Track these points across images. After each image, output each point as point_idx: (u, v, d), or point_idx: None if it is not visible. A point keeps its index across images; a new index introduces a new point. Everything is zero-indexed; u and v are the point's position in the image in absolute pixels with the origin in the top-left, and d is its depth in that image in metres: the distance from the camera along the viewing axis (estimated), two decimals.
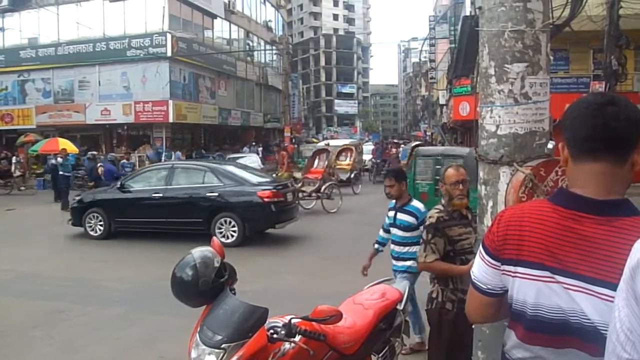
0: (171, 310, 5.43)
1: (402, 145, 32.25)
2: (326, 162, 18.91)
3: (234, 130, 41.35)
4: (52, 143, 25.47)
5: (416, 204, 5.44)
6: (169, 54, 31.42)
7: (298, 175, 19.56)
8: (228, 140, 39.25)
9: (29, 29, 34.52)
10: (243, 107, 41.94)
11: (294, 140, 40.62)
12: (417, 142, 20.52)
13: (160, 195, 11.91)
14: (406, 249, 5.34)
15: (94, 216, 12.55)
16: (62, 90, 34.47)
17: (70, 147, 24.83)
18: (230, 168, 12.69)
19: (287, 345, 3.06)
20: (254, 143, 38.95)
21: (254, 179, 12.26)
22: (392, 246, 5.53)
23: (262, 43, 46.80)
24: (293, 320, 3.04)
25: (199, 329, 3.05)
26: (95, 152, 22.37)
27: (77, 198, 13.31)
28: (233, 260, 3.43)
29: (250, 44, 44.84)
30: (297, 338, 3.03)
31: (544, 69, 2.89)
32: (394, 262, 5.49)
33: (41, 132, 31.94)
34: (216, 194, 11.53)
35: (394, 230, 5.49)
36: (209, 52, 36.23)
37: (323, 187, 16.89)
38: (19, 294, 8.12)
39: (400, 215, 5.39)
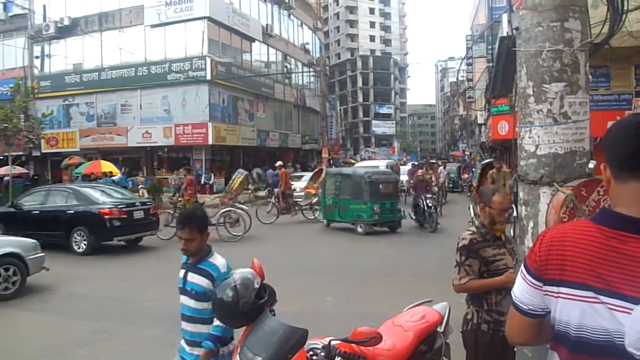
0: None
1: (440, 167, 29.99)
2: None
3: (273, 152, 41.68)
4: (95, 165, 26.05)
5: (215, 260, 3.67)
6: (209, 77, 31.96)
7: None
8: (267, 161, 39.54)
9: (74, 55, 35.67)
10: (281, 129, 42.32)
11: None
12: (488, 160, 19.44)
13: (37, 212, 14.23)
14: (200, 327, 3.62)
15: None
16: (105, 114, 35.40)
17: (113, 170, 25.33)
18: (88, 190, 14.89)
19: None
20: (290, 164, 39.18)
21: (105, 199, 14.37)
22: (183, 323, 3.75)
23: (300, 65, 47.28)
24: (333, 342, 3.04)
25: (239, 350, 3.07)
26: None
27: None
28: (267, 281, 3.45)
29: (288, 66, 45.32)
30: None
31: (583, 88, 2.87)
32: (185, 347, 3.75)
33: (84, 155, 32.74)
34: (72, 212, 13.73)
35: (183, 299, 3.71)
36: (248, 75, 36.74)
37: (217, 214, 15.79)
38: (63, 313, 8.29)
39: (191, 277, 3.66)
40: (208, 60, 31.99)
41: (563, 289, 1.61)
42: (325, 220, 18.05)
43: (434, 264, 11.26)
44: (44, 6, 36.30)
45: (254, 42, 38.57)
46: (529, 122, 2.95)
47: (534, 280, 1.70)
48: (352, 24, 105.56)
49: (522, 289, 1.75)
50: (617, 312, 1.49)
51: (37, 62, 37.47)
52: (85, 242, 13.38)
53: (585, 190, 2.69)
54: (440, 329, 4.24)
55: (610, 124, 1.68)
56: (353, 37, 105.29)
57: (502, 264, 3.74)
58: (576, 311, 1.58)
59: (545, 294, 1.67)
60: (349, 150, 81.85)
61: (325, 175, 18.78)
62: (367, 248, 14.06)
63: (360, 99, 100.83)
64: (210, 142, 31.61)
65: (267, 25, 39.78)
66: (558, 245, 1.65)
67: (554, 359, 1.73)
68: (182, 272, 3.72)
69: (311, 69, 48.84)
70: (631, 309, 1.44)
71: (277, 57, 43.10)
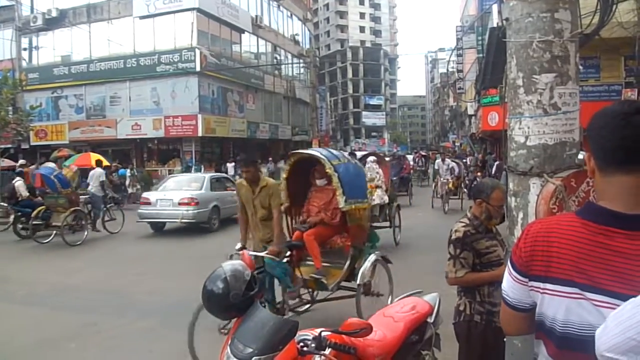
0: (202, 323, 5.47)
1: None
2: None
3: (263, 144, 41.63)
4: (85, 158, 25.91)
5: None
6: (198, 68, 31.83)
7: None
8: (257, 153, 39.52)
9: (62, 47, 35.39)
10: (271, 120, 42.24)
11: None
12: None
13: None
14: None
15: None
16: (94, 106, 35.18)
17: (103, 161, 25.24)
18: None
19: (317, 358, 3.05)
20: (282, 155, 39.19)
21: None
22: None
23: (290, 56, 47.14)
24: (323, 333, 3.03)
25: (229, 342, 3.06)
26: None
27: None
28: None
29: (278, 57, 45.18)
30: (327, 351, 3.02)
31: (573, 78, 2.87)
32: None
33: (74, 147, 32.49)
34: None
35: None
36: (237, 66, 36.61)
37: None
38: (55, 306, 8.24)
39: None
40: (197, 51, 31.86)
41: (549, 285, 1.59)
42: None
43: None
44: None
45: (244, 33, 38.40)
46: (518, 113, 2.96)
47: (519, 276, 1.68)
48: (342, 15, 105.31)
49: (509, 285, 1.74)
50: (602, 309, 1.47)
51: (24, 54, 37.14)
52: None
53: (574, 181, 2.70)
54: (431, 320, 4.24)
55: None
56: (343, 28, 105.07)
57: (494, 255, 3.74)
58: (562, 307, 1.56)
59: (531, 290, 1.65)
60: (339, 142, 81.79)
61: None
62: None
63: (350, 90, 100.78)
64: (200, 133, 31.53)
65: (256, 16, 39.62)
66: (543, 240, 1.62)
67: (540, 348, 1.72)
68: None
69: (301, 60, 48.70)
70: (617, 305, 1.40)
71: (266, 48, 42.97)
